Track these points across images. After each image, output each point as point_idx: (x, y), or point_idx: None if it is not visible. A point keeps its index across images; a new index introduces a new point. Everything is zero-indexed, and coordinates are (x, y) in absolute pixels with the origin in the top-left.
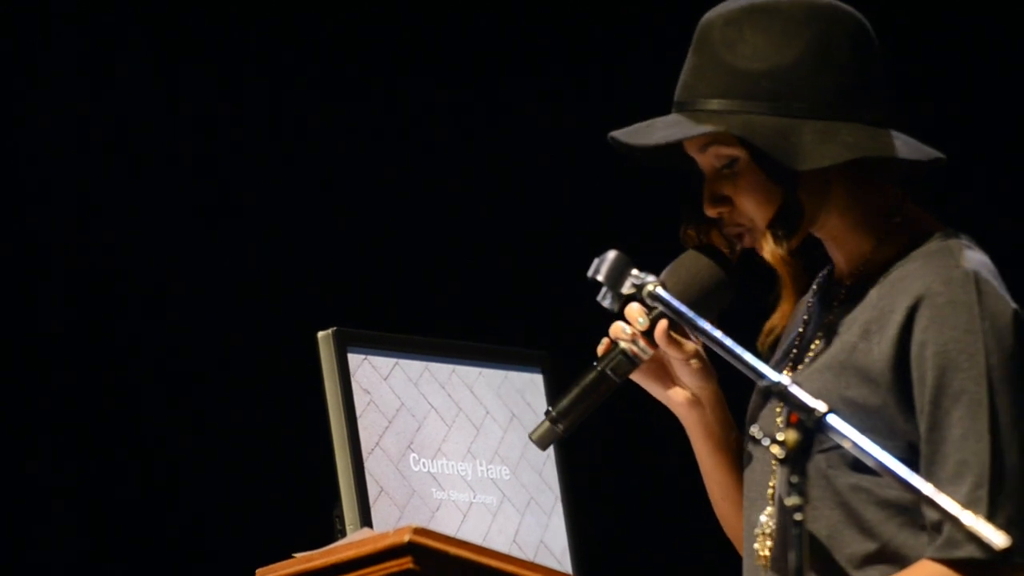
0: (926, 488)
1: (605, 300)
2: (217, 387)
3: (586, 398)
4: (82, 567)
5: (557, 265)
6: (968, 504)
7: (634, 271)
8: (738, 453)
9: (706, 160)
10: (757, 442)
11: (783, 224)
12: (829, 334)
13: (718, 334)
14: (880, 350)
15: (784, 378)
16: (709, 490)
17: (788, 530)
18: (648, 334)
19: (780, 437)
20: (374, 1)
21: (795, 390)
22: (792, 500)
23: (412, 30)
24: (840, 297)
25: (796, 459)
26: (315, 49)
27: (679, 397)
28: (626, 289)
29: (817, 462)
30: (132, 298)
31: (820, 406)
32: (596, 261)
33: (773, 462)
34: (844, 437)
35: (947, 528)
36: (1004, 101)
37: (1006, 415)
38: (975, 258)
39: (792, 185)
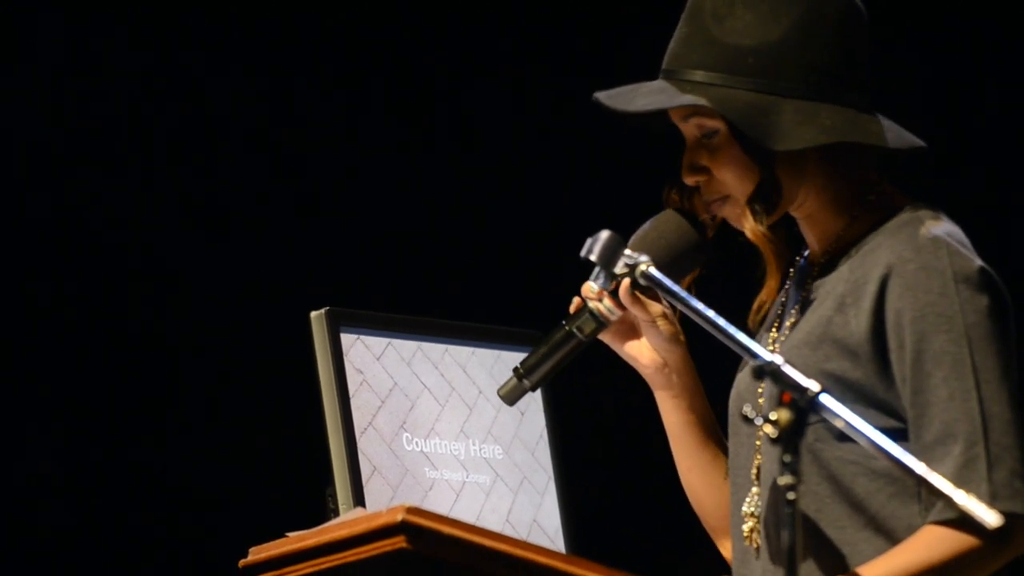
0: (919, 467)
1: (598, 280)
2: (210, 367)
3: (553, 355)
4: (75, 545)
5: (550, 244)
6: (966, 463)
7: (627, 251)
8: (708, 422)
9: (688, 129)
10: (749, 421)
11: (761, 200)
12: (803, 310)
13: (710, 313)
14: (857, 322)
15: (777, 357)
16: (677, 461)
17: (780, 508)
18: (615, 294)
19: (772, 416)
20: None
21: (788, 369)
22: (785, 479)
23: (407, 21)
24: (813, 274)
25: (788, 438)
26: (309, 38)
27: (645, 359)
28: (619, 269)
29: (804, 436)
30: (123, 277)
31: (813, 385)
32: (589, 241)
33: (757, 442)
34: (837, 416)
35: (940, 491)
36: (1002, 95)
37: (990, 372)
38: (943, 225)
39: (769, 163)
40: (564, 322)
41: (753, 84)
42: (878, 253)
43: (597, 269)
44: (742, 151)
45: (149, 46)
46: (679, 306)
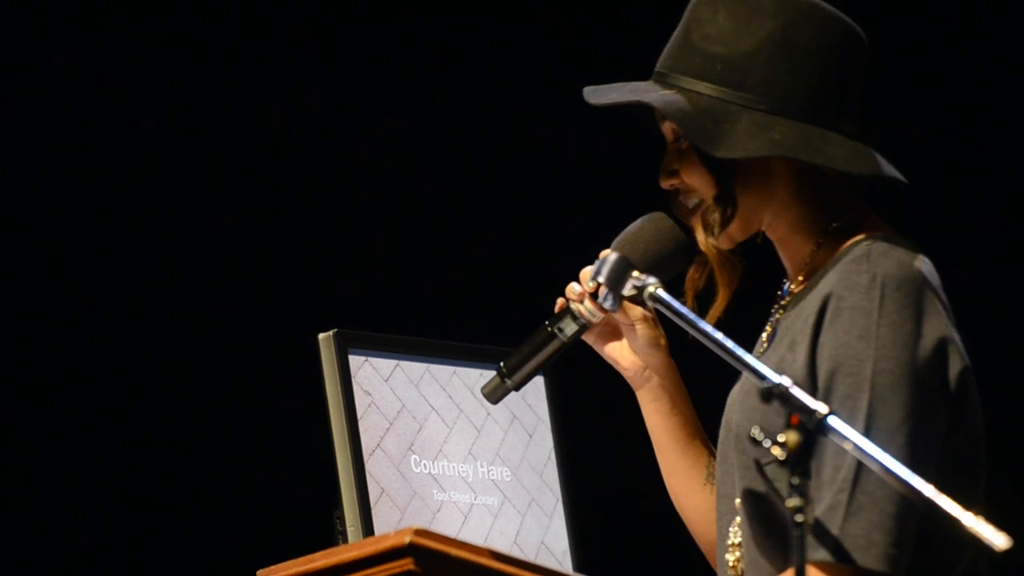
0: (927, 489)
1: (606, 302)
2: (219, 388)
3: (535, 355)
4: (84, 570)
5: (558, 267)
6: (828, 508)
7: (635, 273)
8: (691, 426)
9: (665, 131)
10: (757, 444)
11: (717, 210)
12: (770, 343)
13: (719, 335)
14: (799, 362)
15: (785, 380)
16: (660, 464)
17: (790, 531)
18: (596, 296)
19: (781, 439)
20: (373, 4)
21: (796, 391)
22: (793, 502)
23: (412, 46)
24: (784, 305)
25: (797, 461)
26: (315, 54)
27: (625, 361)
28: (627, 291)
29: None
30: (135, 299)
31: (821, 408)
32: (597, 263)
33: (746, 470)
34: (845, 439)
35: (811, 532)
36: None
37: (884, 422)
38: (891, 264)
39: (725, 173)
40: (547, 323)
41: (716, 91)
42: (822, 289)
43: (605, 291)
44: (700, 159)
45: (155, 62)
46: (687, 328)
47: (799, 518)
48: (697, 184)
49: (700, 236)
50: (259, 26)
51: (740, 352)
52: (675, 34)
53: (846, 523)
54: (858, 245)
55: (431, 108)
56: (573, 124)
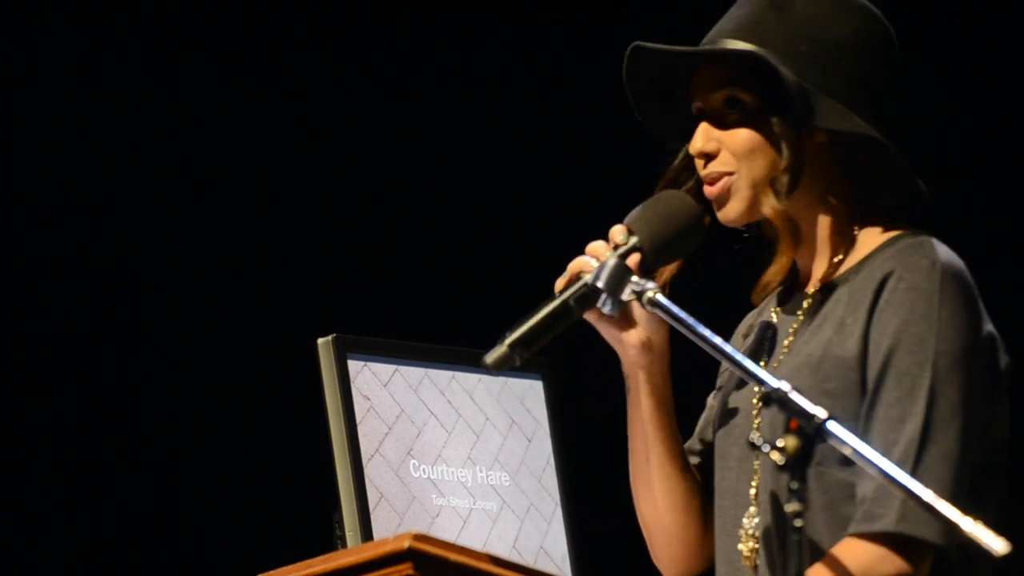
0: (925, 493)
1: (606, 307)
2: (218, 394)
3: (548, 328)
4: (85, 574)
5: (557, 271)
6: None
7: (634, 278)
8: (672, 412)
9: (713, 100)
10: (755, 448)
11: (788, 173)
12: (802, 334)
13: (717, 340)
14: (853, 339)
15: (784, 384)
16: (636, 450)
17: (788, 536)
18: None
19: (780, 443)
20: (373, 4)
21: (795, 396)
22: (792, 506)
23: (421, 51)
24: (811, 298)
25: (796, 465)
26: (315, 55)
27: (633, 338)
28: (626, 296)
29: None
30: (133, 305)
31: (820, 412)
32: (596, 268)
33: (756, 463)
34: (844, 444)
35: (866, 502)
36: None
37: (945, 402)
38: (946, 255)
39: (796, 143)
40: (558, 295)
41: (798, 71)
42: (877, 274)
43: (604, 296)
44: (771, 127)
45: (155, 62)
46: (685, 332)
47: (798, 523)
48: (746, 153)
49: (768, 201)
50: (259, 26)
51: (739, 356)
52: (737, 13)
53: (908, 498)
54: (903, 236)
55: (431, 109)
56: (573, 127)
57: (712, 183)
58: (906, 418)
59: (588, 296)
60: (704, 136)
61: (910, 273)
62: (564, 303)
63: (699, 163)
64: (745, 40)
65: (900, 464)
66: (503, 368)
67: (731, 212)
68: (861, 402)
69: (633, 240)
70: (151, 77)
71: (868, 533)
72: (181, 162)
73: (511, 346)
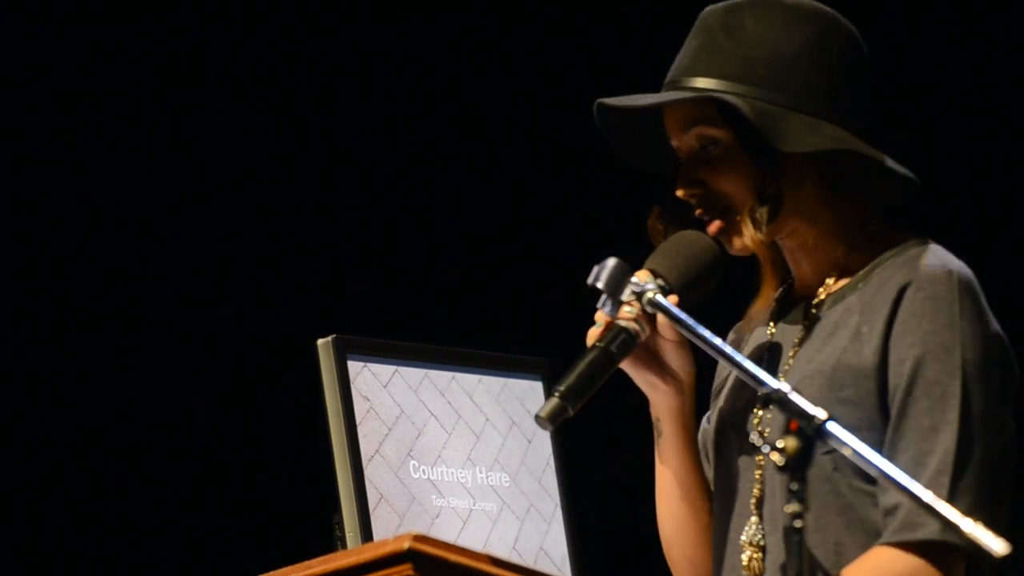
0: (926, 495)
1: (605, 307)
2: (217, 394)
3: (595, 378)
4: (81, 573)
5: (557, 272)
6: (928, 487)
7: (634, 278)
8: (697, 454)
9: (687, 140)
10: (755, 449)
11: (766, 204)
12: (811, 342)
13: (717, 341)
14: (870, 347)
15: (784, 385)
16: (666, 491)
17: (789, 537)
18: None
19: (780, 444)
20: (374, 4)
21: (795, 397)
22: (792, 507)
23: (429, 57)
24: (816, 306)
25: (796, 466)
26: (315, 56)
27: (670, 384)
28: (626, 296)
29: (822, 464)
30: (132, 305)
31: (820, 413)
32: (596, 268)
33: (758, 472)
34: (844, 444)
35: (902, 510)
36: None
37: (976, 410)
38: (956, 262)
39: (774, 170)
40: (597, 344)
41: (761, 94)
42: (892, 282)
43: (604, 296)
44: (747, 159)
45: (155, 62)
46: (686, 333)
47: (798, 524)
48: (733, 187)
49: (747, 232)
50: (259, 26)
51: (740, 358)
52: (694, 44)
53: (950, 502)
54: (911, 244)
55: (431, 111)
56: (573, 129)
57: (708, 224)
58: (940, 427)
59: (628, 342)
60: (685, 180)
61: (928, 282)
62: (606, 350)
63: (691, 202)
64: (704, 75)
65: (938, 473)
66: (557, 422)
67: (738, 247)
68: (878, 411)
69: (660, 282)
70: (150, 77)
71: (909, 542)
72: (181, 162)
73: (563, 397)
